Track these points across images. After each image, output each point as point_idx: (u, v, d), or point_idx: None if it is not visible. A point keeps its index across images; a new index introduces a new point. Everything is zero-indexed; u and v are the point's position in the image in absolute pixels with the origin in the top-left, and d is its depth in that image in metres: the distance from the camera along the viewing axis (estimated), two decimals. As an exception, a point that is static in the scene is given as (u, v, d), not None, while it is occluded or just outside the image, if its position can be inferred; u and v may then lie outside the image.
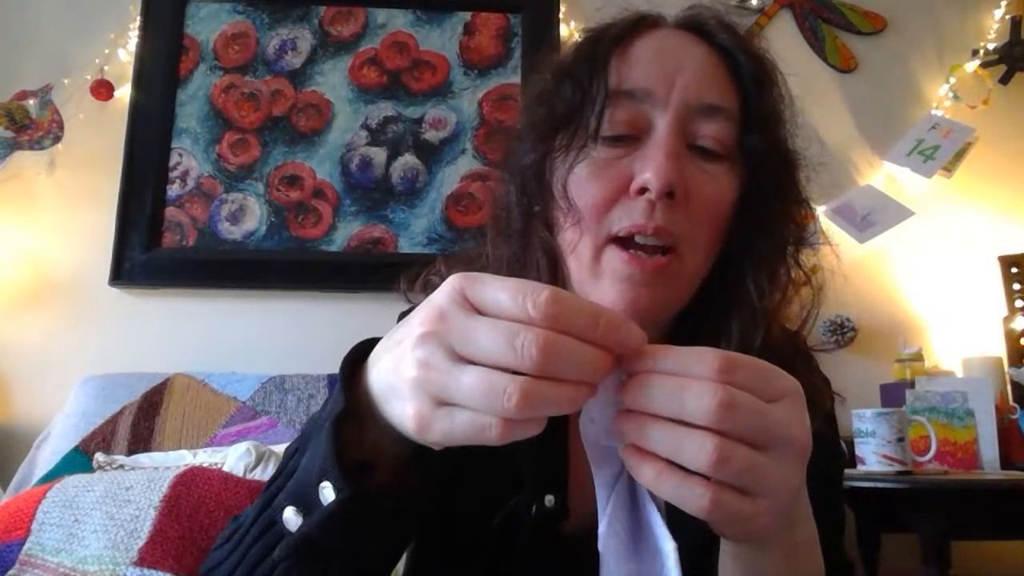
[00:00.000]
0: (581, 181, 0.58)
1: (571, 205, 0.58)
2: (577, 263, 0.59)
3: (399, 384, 0.37)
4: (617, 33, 0.61)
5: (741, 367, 0.37)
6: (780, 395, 0.37)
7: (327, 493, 0.40)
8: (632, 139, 0.58)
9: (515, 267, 0.63)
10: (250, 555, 0.46)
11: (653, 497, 0.42)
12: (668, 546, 0.41)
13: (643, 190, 0.55)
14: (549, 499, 0.60)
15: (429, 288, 0.67)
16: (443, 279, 0.67)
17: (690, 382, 0.36)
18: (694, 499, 0.36)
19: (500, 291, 0.35)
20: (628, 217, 0.56)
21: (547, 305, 0.34)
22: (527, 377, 0.33)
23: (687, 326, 0.63)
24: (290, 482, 0.44)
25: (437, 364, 0.35)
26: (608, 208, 0.57)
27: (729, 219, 0.59)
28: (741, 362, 0.37)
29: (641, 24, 0.62)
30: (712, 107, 0.58)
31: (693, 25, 0.62)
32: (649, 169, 0.55)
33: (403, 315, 0.68)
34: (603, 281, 0.57)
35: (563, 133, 0.59)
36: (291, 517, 0.42)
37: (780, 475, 0.37)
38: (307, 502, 0.41)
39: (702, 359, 0.36)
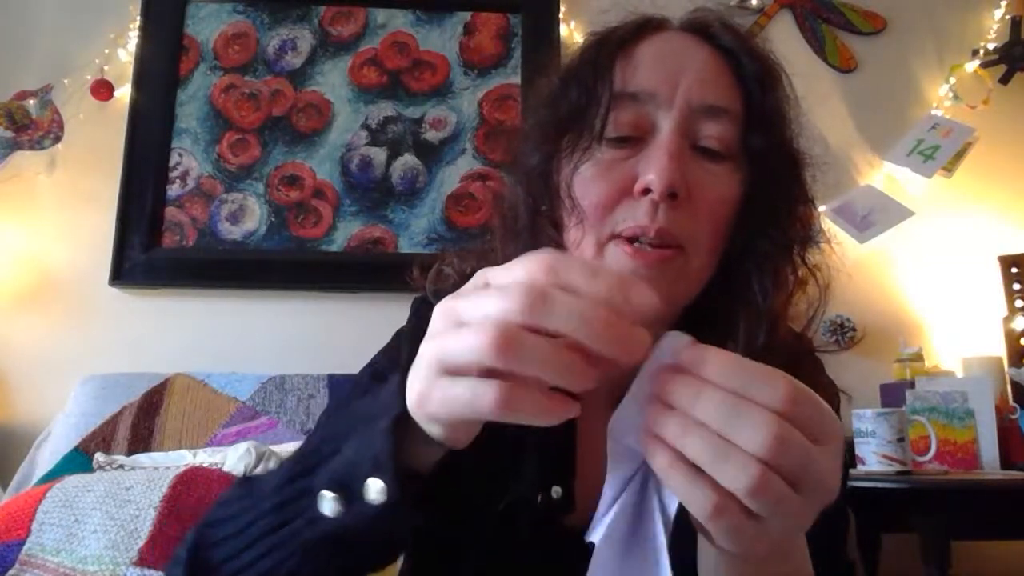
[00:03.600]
0: (585, 181, 0.58)
1: (575, 205, 0.58)
2: None
3: (415, 364, 0.38)
4: (622, 36, 0.61)
5: (806, 403, 0.36)
6: (826, 439, 0.37)
7: (374, 490, 0.39)
8: (636, 140, 0.58)
9: None
10: (262, 522, 0.45)
11: (663, 512, 0.41)
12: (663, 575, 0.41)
13: (646, 191, 0.55)
14: (556, 491, 0.60)
15: (442, 278, 0.68)
16: (455, 270, 0.67)
17: (749, 407, 0.35)
18: (699, 500, 0.35)
19: (513, 267, 0.36)
20: (632, 217, 0.56)
21: (541, 261, 0.35)
22: (511, 322, 0.34)
23: (692, 325, 0.63)
24: (329, 466, 0.43)
25: (443, 330, 0.36)
26: (612, 208, 0.57)
27: (733, 219, 0.59)
28: (807, 398, 0.36)
29: (645, 27, 0.62)
30: (715, 108, 0.58)
31: (697, 27, 0.62)
32: (652, 170, 0.55)
33: (416, 302, 0.68)
34: None
35: (568, 135, 0.60)
36: (329, 502, 0.41)
37: (801, 513, 0.37)
38: (350, 492, 0.41)
39: (774, 384, 0.35)
